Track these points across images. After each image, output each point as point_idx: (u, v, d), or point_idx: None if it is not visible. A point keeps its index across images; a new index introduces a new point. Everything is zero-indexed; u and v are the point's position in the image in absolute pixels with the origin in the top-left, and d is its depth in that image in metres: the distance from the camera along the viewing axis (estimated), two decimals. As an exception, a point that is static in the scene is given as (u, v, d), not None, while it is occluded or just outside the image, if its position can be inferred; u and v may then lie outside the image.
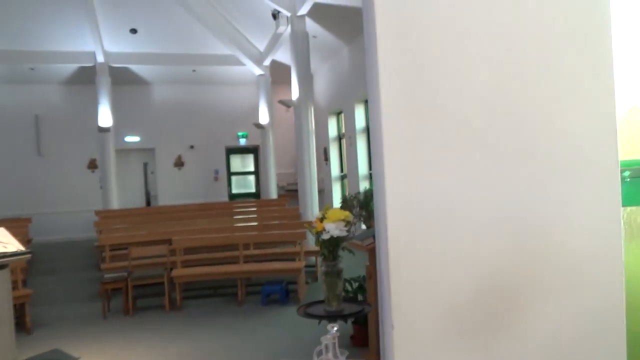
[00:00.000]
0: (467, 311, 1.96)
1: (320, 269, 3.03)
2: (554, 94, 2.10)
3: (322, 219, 2.95)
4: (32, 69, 13.52)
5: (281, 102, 11.10)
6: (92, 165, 14.70)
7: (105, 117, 13.40)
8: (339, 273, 3.00)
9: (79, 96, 14.52)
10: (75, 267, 10.02)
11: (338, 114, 14.14)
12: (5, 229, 4.54)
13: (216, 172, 15.61)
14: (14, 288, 6.13)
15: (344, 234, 2.89)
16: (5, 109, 14.20)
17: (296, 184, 11.86)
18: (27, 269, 8.45)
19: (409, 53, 2.03)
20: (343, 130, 13.57)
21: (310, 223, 3.15)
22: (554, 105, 2.10)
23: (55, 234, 13.88)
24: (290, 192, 14.80)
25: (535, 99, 2.08)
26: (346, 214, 2.94)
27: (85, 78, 13.86)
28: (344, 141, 13.59)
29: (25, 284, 7.46)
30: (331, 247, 2.93)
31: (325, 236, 2.89)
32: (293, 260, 7.82)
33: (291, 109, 10.97)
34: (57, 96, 14.66)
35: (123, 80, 14.42)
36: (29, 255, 4.31)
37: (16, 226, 9.67)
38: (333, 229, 2.85)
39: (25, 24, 12.20)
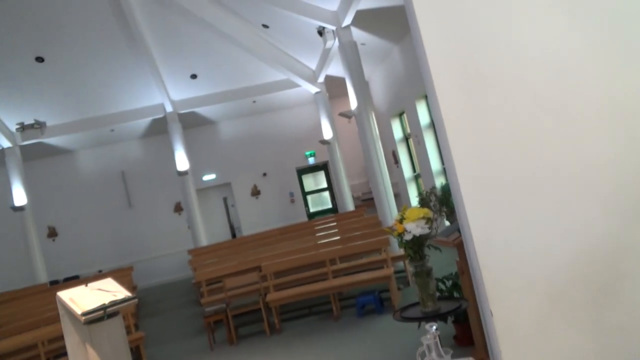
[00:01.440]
0: (568, 287, 1.82)
1: (410, 271, 2.92)
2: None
3: (401, 220, 2.90)
4: (112, 130, 14.35)
5: (341, 114, 10.97)
6: (178, 208, 15.18)
7: (182, 161, 13.85)
8: (428, 272, 2.91)
9: (156, 146, 15.19)
10: (178, 306, 10.30)
11: (400, 114, 13.82)
12: (112, 279, 4.79)
13: (291, 194, 15.62)
14: (128, 332, 6.32)
15: (426, 231, 2.83)
16: (95, 170, 15.15)
17: (371, 192, 11.50)
18: (137, 314, 8.77)
19: (457, 45, 1.95)
20: (408, 130, 13.24)
21: (390, 227, 3.06)
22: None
23: (155, 277, 14.52)
24: (367, 202, 14.51)
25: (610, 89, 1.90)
26: (425, 211, 2.88)
27: (158, 128, 14.53)
28: (411, 140, 13.21)
29: (137, 327, 7.70)
30: (416, 247, 2.87)
31: (408, 237, 2.84)
32: (381, 268, 7.67)
33: (353, 119, 10.75)
34: (137, 150, 15.40)
35: (192, 124, 14.87)
36: (136, 300, 4.48)
37: (121, 276, 10.13)
38: (414, 228, 2.79)
39: (101, 92, 12.98)
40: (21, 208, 13.20)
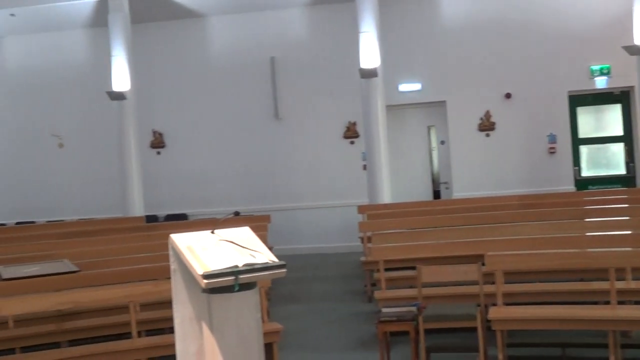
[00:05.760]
0: None
1: None
2: None
3: None
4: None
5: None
6: (351, 132, 11.34)
7: (370, 51, 9.42)
8: None
9: (331, 21, 11.17)
10: (334, 294, 8.75)
11: None
12: (250, 229, 3.60)
13: (551, 138, 11.21)
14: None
15: None
16: (228, 51, 11.46)
17: None
18: (268, 294, 7.42)
19: None
20: None
21: None
22: None
23: (297, 240, 11.23)
24: None
25: None
26: None
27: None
28: None
29: (269, 315, 6.31)
30: None
31: None
32: None
33: None
34: (299, 25, 11.48)
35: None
36: (284, 271, 3.39)
37: (253, 227, 8.66)
38: None
39: None
40: (121, 96, 10.09)
